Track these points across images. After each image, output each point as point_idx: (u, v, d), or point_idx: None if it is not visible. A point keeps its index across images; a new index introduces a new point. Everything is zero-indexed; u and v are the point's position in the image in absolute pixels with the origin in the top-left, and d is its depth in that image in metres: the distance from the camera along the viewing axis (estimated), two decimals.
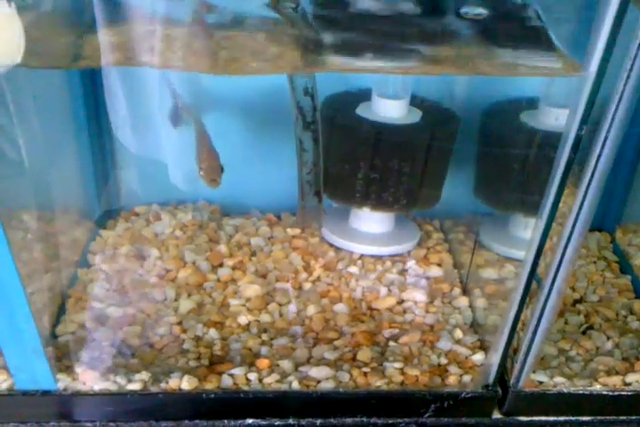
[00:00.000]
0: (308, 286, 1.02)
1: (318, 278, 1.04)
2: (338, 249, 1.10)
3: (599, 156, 0.69)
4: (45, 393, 0.81)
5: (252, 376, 0.85)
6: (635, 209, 1.20)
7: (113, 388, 0.82)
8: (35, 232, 0.90)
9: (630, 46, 0.62)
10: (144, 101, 0.88)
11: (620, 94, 0.65)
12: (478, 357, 0.91)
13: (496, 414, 0.88)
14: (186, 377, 0.83)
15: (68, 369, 0.83)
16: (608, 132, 0.67)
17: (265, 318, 0.95)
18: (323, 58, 0.71)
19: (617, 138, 0.68)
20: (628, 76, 0.64)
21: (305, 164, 0.98)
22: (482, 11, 0.74)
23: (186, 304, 0.96)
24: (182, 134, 0.99)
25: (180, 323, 0.93)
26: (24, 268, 0.82)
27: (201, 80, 0.97)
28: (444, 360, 0.90)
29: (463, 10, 0.74)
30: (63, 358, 0.85)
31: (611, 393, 0.87)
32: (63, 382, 0.82)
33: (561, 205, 0.74)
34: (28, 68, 0.70)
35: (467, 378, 0.88)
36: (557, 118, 0.97)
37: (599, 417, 0.88)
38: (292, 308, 0.97)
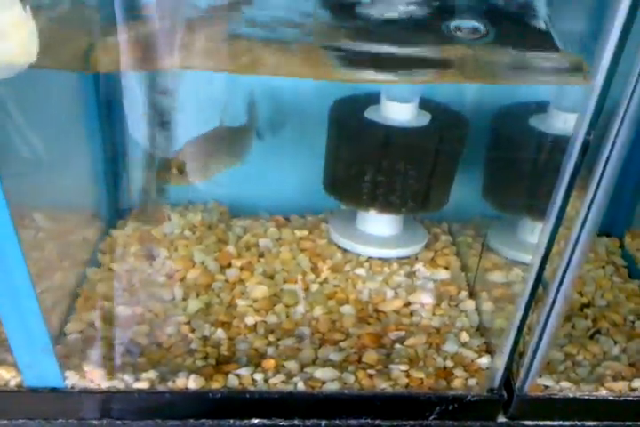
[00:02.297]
0: (315, 287, 1.03)
1: (325, 280, 1.05)
2: (345, 251, 1.10)
3: (607, 160, 0.69)
4: (53, 390, 0.82)
5: (258, 376, 0.86)
6: None
7: (120, 386, 0.83)
8: (45, 231, 0.91)
9: (638, 52, 0.62)
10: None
11: (629, 99, 0.65)
12: (484, 360, 0.91)
13: (501, 418, 0.88)
14: (192, 376, 0.84)
15: (77, 367, 0.84)
16: (616, 136, 0.67)
17: (272, 318, 0.96)
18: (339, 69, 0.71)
19: (625, 142, 0.68)
20: (637, 81, 0.64)
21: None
22: (477, 25, 0.71)
23: (194, 304, 0.97)
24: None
25: (188, 322, 0.94)
26: (34, 267, 0.83)
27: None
28: (449, 363, 0.91)
29: (454, 23, 0.71)
30: (72, 356, 0.86)
31: (617, 398, 0.87)
32: (71, 380, 0.83)
33: (569, 209, 0.74)
34: (43, 69, 0.71)
35: (472, 381, 0.88)
36: (567, 122, 0.97)
37: (605, 422, 0.88)
38: (301, 309, 0.98)
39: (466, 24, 0.72)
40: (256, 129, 1.03)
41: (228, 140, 0.94)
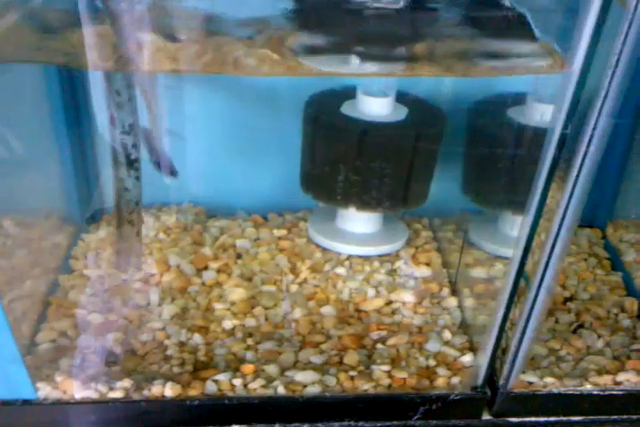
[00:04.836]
0: (294, 288, 1.01)
1: (305, 280, 1.03)
2: (325, 250, 1.08)
3: (586, 152, 0.68)
4: (25, 402, 0.79)
5: (237, 382, 0.84)
6: (626, 205, 1.19)
7: (94, 396, 0.81)
8: (14, 238, 0.88)
9: (615, 42, 0.61)
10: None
11: (606, 91, 0.63)
12: (467, 358, 0.90)
13: (486, 416, 0.87)
14: (169, 384, 0.82)
15: (49, 378, 0.82)
16: (594, 129, 0.66)
17: (250, 322, 0.93)
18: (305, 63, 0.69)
19: (604, 134, 0.66)
20: (614, 73, 0.62)
21: (128, 202, 0.91)
22: None
23: (170, 309, 0.94)
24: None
25: (163, 328, 0.91)
26: (2, 275, 0.80)
27: None
28: (432, 362, 0.89)
29: None
30: (43, 367, 0.83)
31: (601, 393, 0.86)
32: (43, 391, 0.80)
33: (549, 201, 0.73)
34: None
35: (455, 380, 0.87)
36: (545, 114, 0.95)
37: (590, 417, 0.87)
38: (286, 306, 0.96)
39: None
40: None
41: None
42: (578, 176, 0.69)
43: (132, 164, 0.83)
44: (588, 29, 0.61)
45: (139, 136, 0.82)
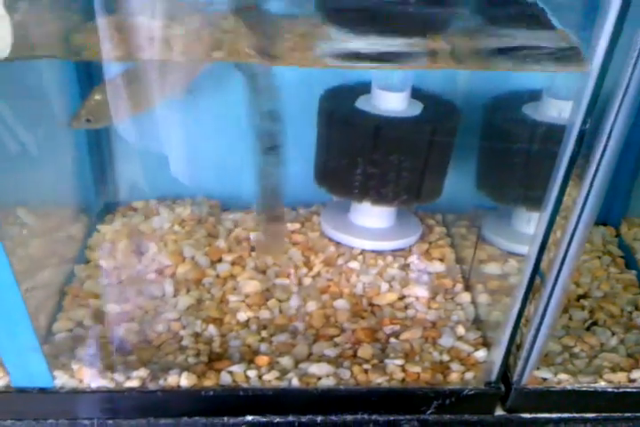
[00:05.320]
0: (307, 281, 1.01)
1: (318, 274, 1.03)
2: (338, 244, 1.09)
3: (604, 149, 0.67)
4: (42, 391, 0.80)
5: (252, 373, 0.84)
6: None
7: (110, 385, 0.81)
8: (31, 228, 0.89)
9: (636, 36, 0.61)
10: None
11: (626, 87, 0.63)
12: (481, 353, 0.90)
13: (499, 411, 0.87)
14: (184, 374, 0.82)
15: (65, 366, 0.82)
16: (613, 124, 0.66)
17: (264, 314, 0.94)
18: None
19: (623, 130, 0.66)
20: (634, 68, 0.62)
21: (269, 189, 0.92)
22: None
23: (185, 300, 0.95)
24: (184, 125, 0.97)
25: (178, 319, 0.92)
26: (20, 264, 0.81)
27: None
28: (445, 357, 0.89)
29: None
30: (60, 356, 0.84)
31: (615, 390, 0.86)
32: (60, 380, 0.81)
33: (565, 198, 0.72)
34: (19, 61, 0.69)
35: (469, 375, 0.87)
36: (561, 110, 0.95)
37: (604, 414, 0.87)
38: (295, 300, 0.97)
39: None
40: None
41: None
42: (596, 173, 0.69)
43: (272, 150, 0.83)
44: (610, 23, 0.60)
45: (278, 122, 0.81)
